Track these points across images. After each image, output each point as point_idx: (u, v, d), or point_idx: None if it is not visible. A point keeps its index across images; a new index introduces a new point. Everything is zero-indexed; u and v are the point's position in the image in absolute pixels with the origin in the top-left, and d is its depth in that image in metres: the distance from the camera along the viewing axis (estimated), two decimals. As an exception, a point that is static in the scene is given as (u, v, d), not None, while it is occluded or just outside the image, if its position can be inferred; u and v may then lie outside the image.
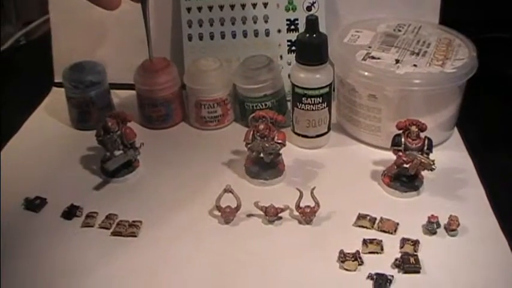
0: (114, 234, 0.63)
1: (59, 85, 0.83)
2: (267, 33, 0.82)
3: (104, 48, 0.87)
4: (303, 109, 0.72)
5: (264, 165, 0.69)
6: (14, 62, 0.98)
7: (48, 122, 0.83)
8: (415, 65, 0.71)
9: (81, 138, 0.78)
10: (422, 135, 0.66)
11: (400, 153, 0.66)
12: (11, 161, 0.74)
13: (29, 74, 0.94)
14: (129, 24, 0.85)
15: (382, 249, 0.60)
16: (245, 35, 0.82)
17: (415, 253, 0.59)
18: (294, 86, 0.72)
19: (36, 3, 1.06)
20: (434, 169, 0.65)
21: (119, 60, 0.85)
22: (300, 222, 0.64)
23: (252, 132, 0.68)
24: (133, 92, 0.81)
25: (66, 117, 0.81)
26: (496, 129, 0.80)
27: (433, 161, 0.65)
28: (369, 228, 0.62)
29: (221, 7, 0.82)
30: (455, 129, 0.78)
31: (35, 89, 0.90)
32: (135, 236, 0.62)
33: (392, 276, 0.56)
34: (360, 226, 0.63)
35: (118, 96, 0.85)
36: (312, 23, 0.69)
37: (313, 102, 0.71)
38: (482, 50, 0.75)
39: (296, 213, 0.64)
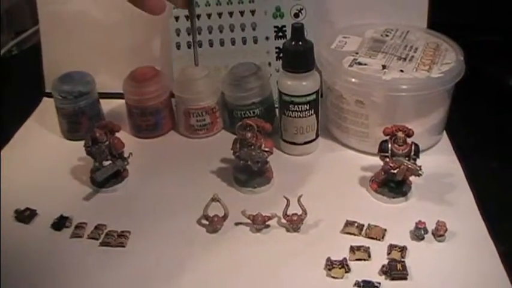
0: (102, 244, 0.63)
1: (49, 95, 0.83)
2: (255, 41, 0.82)
3: (93, 58, 0.87)
4: (290, 116, 0.72)
5: (252, 173, 0.69)
6: (6, 71, 0.98)
7: (38, 132, 0.83)
8: (401, 71, 0.71)
9: (72, 149, 0.78)
10: (409, 140, 0.66)
11: (387, 159, 0.66)
12: (1, 171, 0.73)
13: (20, 84, 0.94)
14: (118, 34, 0.86)
15: (369, 256, 0.60)
16: (233, 42, 0.82)
17: (402, 259, 0.59)
18: (281, 93, 0.72)
19: (28, 13, 1.06)
20: (421, 175, 0.65)
21: (108, 69, 0.85)
22: (287, 230, 0.64)
23: (239, 141, 0.68)
24: (122, 101, 0.81)
25: (56, 127, 0.82)
26: (485, 134, 0.80)
27: (420, 166, 0.65)
28: (357, 235, 0.62)
29: (209, 15, 0.81)
30: (444, 133, 0.78)
31: (26, 99, 0.90)
32: (124, 247, 0.62)
33: (379, 283, 0.56)
34: (347, 233, 0.63)
35: (107, 106, 0.85)
36: (298, 30, 0.69)
37: (300, 109, 0.71)
38: (471, 54, 0.75)
39: (284, 221, 0.64)
